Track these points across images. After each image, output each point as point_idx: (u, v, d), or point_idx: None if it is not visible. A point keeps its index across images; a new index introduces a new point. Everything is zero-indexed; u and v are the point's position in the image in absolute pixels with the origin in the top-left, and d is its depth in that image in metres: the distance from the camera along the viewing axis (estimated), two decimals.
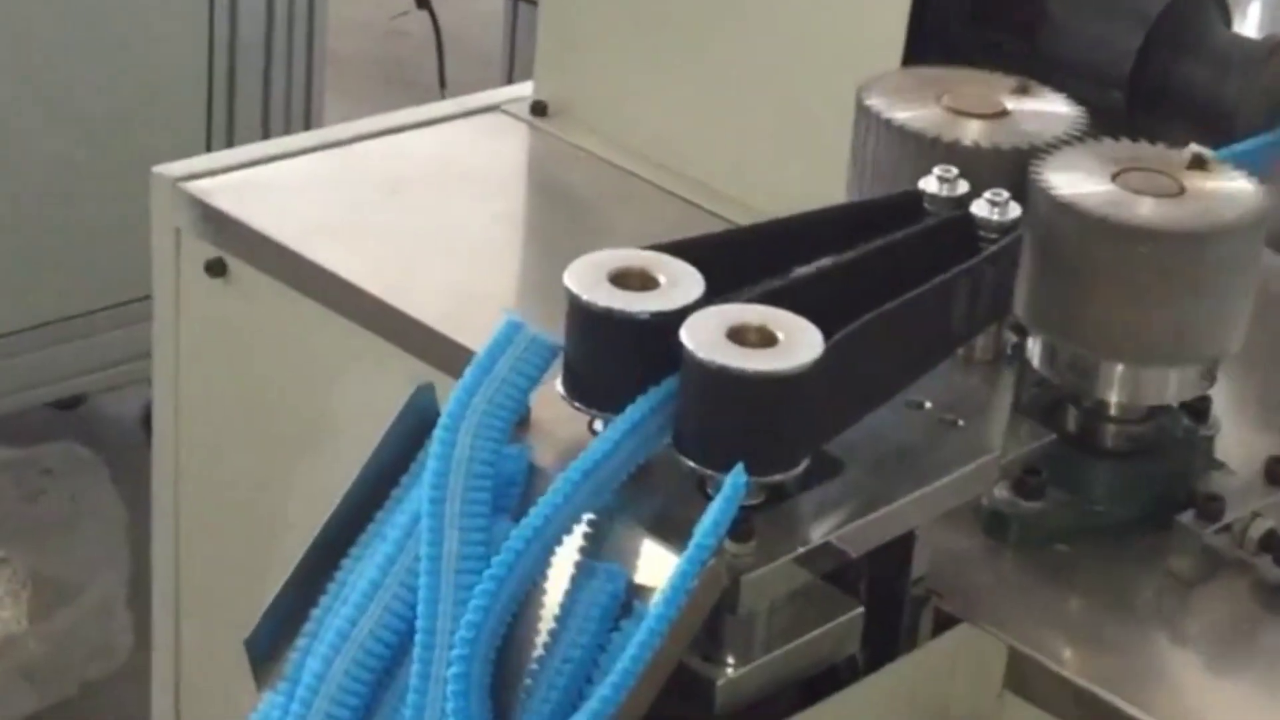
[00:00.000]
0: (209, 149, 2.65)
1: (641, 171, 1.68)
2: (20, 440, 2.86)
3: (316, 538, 1.13)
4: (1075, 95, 1.39)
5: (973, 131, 1.33)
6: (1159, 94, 1.54)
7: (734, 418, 1.10)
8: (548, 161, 1.72)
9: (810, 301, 1.16)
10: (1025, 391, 1.32)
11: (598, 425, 1.17)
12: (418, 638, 1.06)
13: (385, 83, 4.25)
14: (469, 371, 1.12)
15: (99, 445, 2.89)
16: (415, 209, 1.62)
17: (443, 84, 3.65)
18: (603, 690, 1.02)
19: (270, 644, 1.13)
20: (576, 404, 1.15)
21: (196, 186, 1.59)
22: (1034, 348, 1.33)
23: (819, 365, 1.11)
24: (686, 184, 1.66)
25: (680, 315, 1.13)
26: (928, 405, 1.25)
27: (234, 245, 1.57)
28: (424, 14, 3.68)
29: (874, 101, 1.35)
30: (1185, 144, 1.37)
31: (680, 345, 1.11)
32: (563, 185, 1.69)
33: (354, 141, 1.68)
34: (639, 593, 1.08)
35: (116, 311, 2.77)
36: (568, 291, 1.14)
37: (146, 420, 2.29)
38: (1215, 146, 1.42)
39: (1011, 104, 1.36)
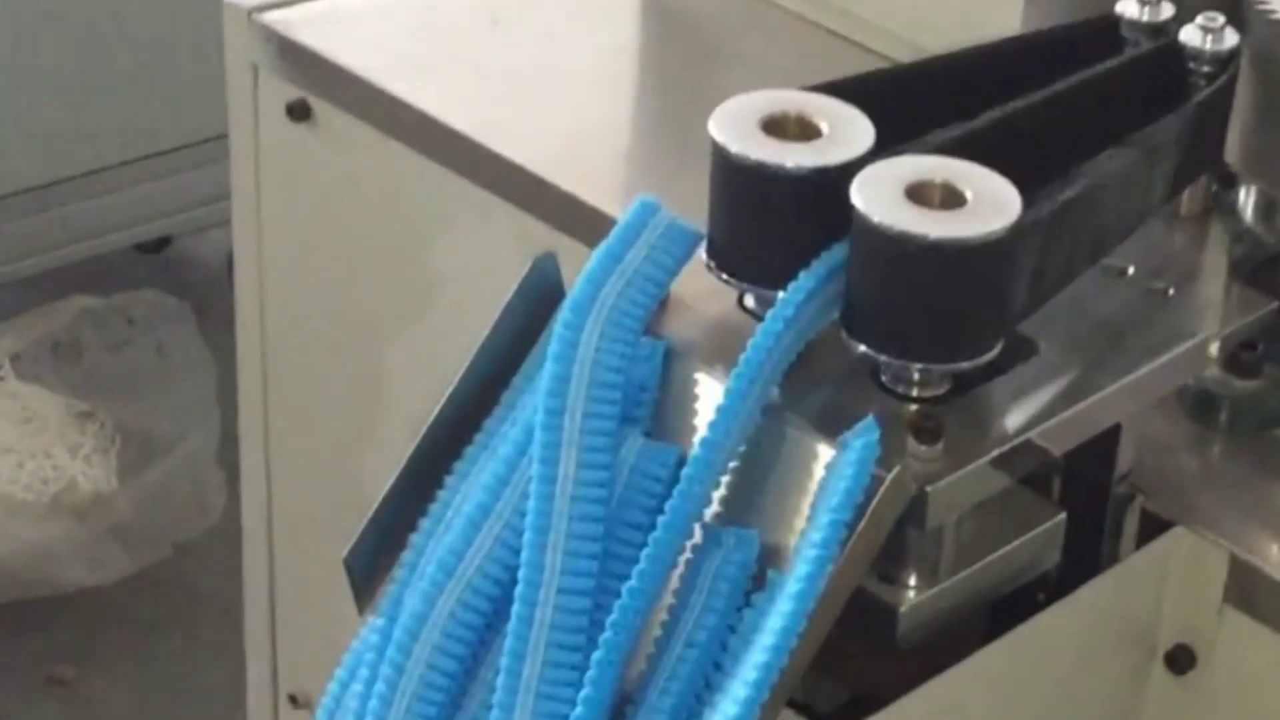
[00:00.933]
0: None
1: None
2: (103, 288, 2.71)
3: (420, 442, 0.96)
4: None
5: None
6: None
7: (917, 294, 0.92)
8: None
9: (995, 152, 0.98)
10: (1235, 251, 1.13)
11: (748, 300, 0.99)
12: (520, 574, 0.88)
13: None
14: (595, 258, 0.95)
15: (185, 292, 2.75)
16: (519, 41, 1.43)
17: None
18: (738, 690, 0.83)
19: (372, 561, 0.96)
20: (724, 276, 0.98)
21: (274, 18, 1.40)
22: (1246, 199, 1.14)
23: (1016, 230, 0.92)
24: (829, 11, 1.46)
25: (848, 170, 0.94)
26: (1130, 271, 1.06)
27: (318, 85, 1.38)
28: None
29: None
30: None
31: (850, 206, 0.93)
32: (685, 12, 1.50)
33: None
34: (774, 558, 0.91)
35: (202, 148, 2.61)
36: (713, 142, 0.96)
37: (232, 264, 2.14)
38: None
39: None
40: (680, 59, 1.47)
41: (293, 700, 1.56)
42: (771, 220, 0.96)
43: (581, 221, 1.24)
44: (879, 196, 0.93)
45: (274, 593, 1.60)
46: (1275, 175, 1.11)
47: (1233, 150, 1.10)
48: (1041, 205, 0.95)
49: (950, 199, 0.93)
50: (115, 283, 2.74)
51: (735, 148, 0.95)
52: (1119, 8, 1.09)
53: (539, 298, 0.99)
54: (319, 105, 1.38)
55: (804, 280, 0.94)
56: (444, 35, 1.42)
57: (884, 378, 0.95)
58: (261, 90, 1.41)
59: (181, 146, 2.63)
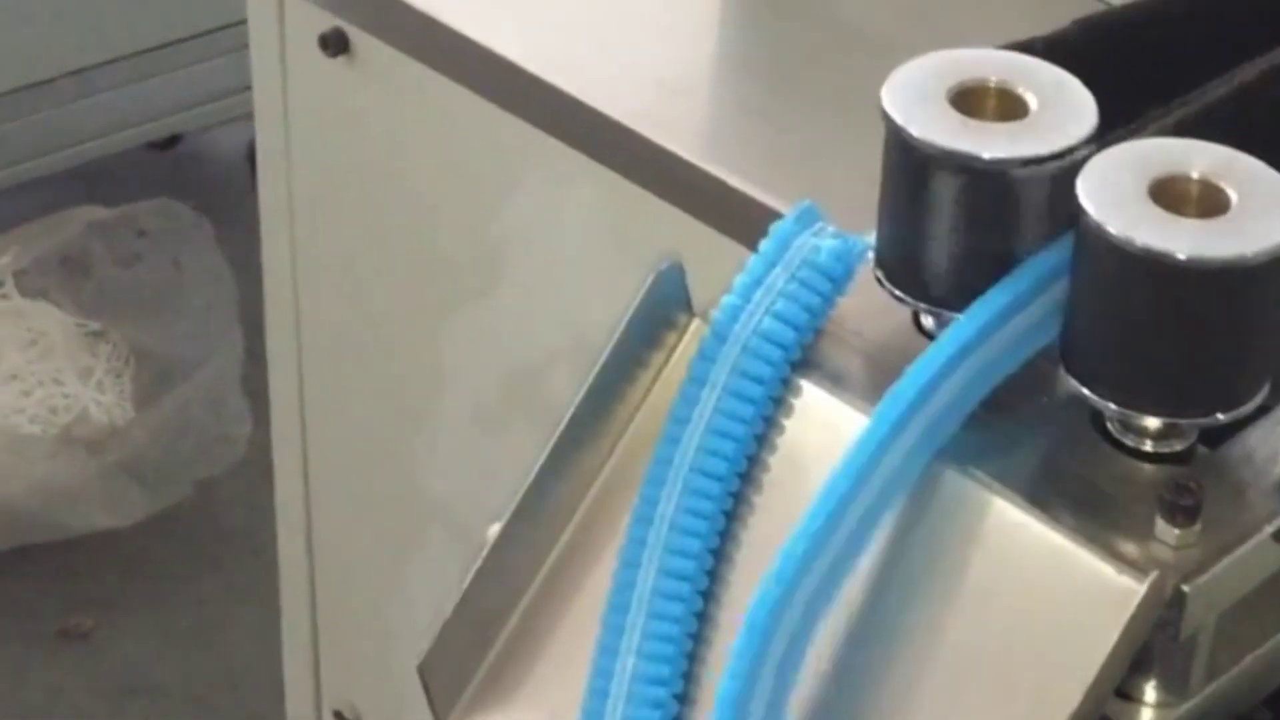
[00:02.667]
0: None
1: None
2: (110, 194, 2.50)
3: (514, 513, 0.75)
4: None
5: None
6: None
7: (1166, 328, 0.70)
8: None
9: (1257, 125, 0.75)
10: None
11: (928, 321, 0.77)
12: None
13: None
14: (737, 281, 0.73)
15: (199, 194, 2.53)
16: None
17: None
18: None
19: (454, 666, 0.75)
20: (898, 293, 0.76)
21: None
22: None
23: None
24: None
25: (1068, 159, 0.72)
26: None
27: (357, 11, 1.15)
28: None
29: None
30: None
31: (1072, 206, 0.71)
32: None
33: None
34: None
35: (213, 38, 2.43)
36: (888, 121, 0.74)
37: (252, 159, 1.90)
38: None
39: None
40: None
41: (338, 718, 1.36)
42: (964, 224, 0.74)
43: (675, 181, 1.02)
44: (1115, 197, 0.70)
45: (312, 551, 1.39)
46: None
47: None
48: None
49: (1210, 200, 0.71)
50: (123, 187, 2.54)
51: (918, 130, 0.73)
52: None
53: (663, 317, 0.77)
54: (358, 37, 1.15)
55: (997, 295, 0.73)
56: None
57: (1110, 426, 0.73)
58: (288, 15, 1.18)
59: (191, 36, 2.44)
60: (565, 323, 1.12)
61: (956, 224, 0.73)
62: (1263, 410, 0.74)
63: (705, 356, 0.73)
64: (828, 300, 0.73)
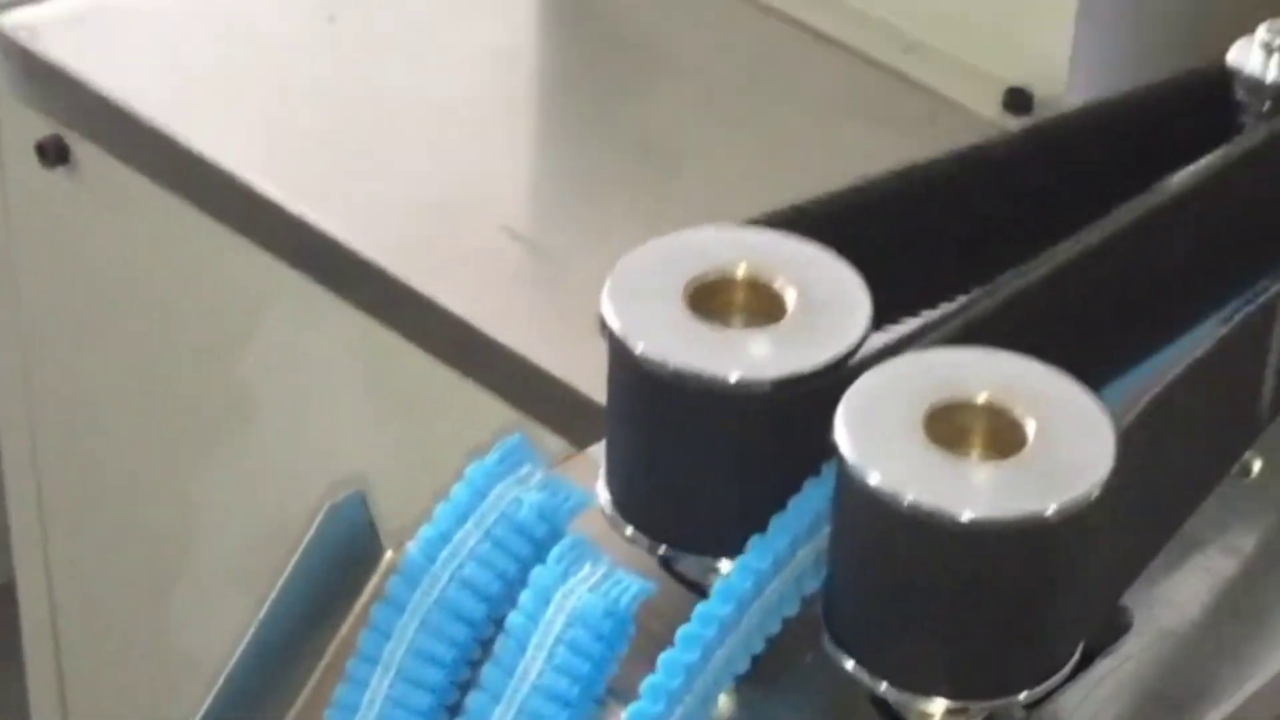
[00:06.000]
0: None
1: None
2: None
3: None
4: None
5: None
6: None
7: (949, 596, 0.56)
8: None
9: (1055, 323, 0.61)
10: None
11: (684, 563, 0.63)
12: None
13: None
14: (422, 533, 0.58)
15: None
16: (365, 46, 1.05)
17: None
18: None
19: None
20: (632, 531, 0.62)
21: (16, 22, 1.01)
22: None
23: (1112, 483, 0.56)
24: None
25: (831, 379, 0.58)
26: (1258, 468, 0.70)
27: (77, 118, 1.00)
28: None
29: None
30: None
31: (832, 444, 0.57)
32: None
33: None
34: None
35: None
36: (608, 332, 0.59)
37: None
38: None
39: None
40: (591, 81, 1.08)
41: None
42: (705, 456, 0.59)
43: (445, 330, 0.88)
44: (883, 432, 0.56)
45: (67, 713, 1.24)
46: None
47: None
48: (1146, 423, 0.59)
49: (1001, 433, 0.57)
50: None
51: (645, 346, 0.58)
52: (1231, 58, 0.72)
53: (341, 549, 0.63)
54: (79, 146, 1.00)
55: (769, 542, 0.58)
56: (259, 42, 1.03)
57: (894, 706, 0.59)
58: (3, 119, 1.03)
59: None
60: (318, 470, 0.97)
61: (705, 458, 0.59)
62: (1086, 660, 0.61)
63: (378, 629, 0.59)
64: (526, 566, 0.59)
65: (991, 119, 1.06)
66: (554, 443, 0.85)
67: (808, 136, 1.02)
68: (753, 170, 0.98)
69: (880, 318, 0.61)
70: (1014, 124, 1.07)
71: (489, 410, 0.83)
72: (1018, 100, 1.14)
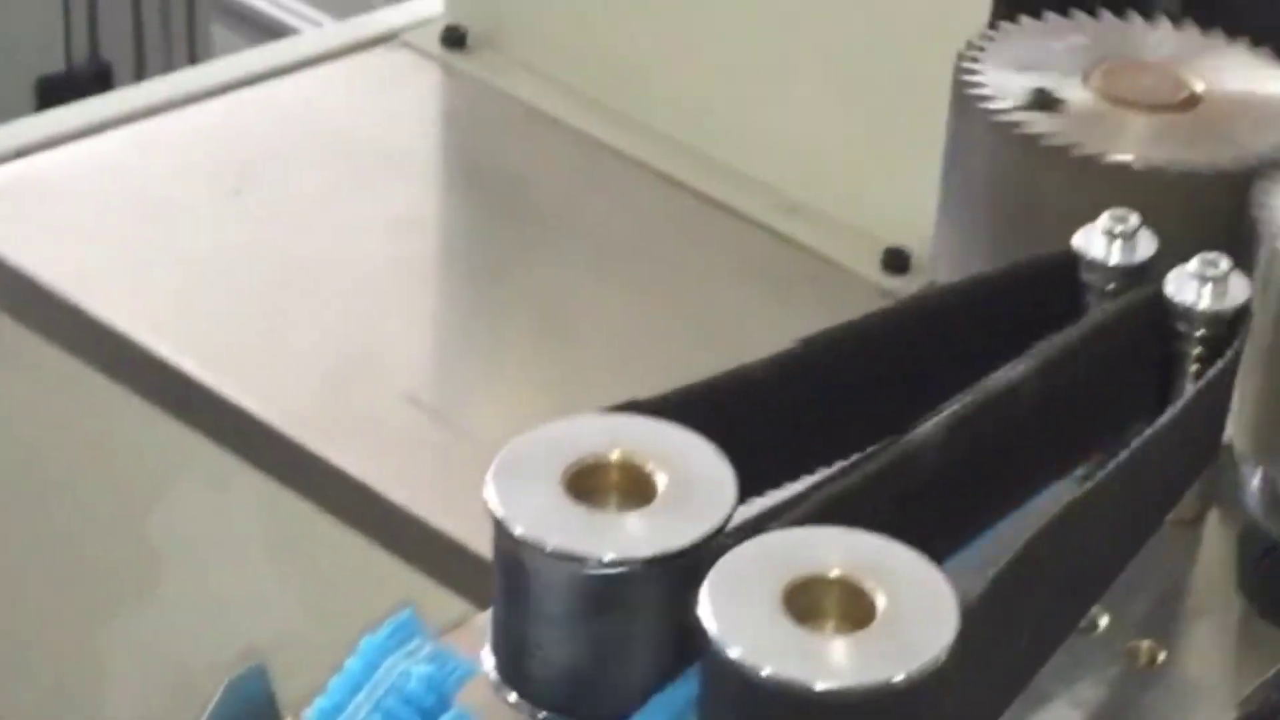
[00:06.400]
0: None
1: (606, 135, 1.16)
2: None
3: None
4: None
5: (1146, 134, 0.82)
6: None
7: None
8: (467, 119, 1.19)
9: (905, 501, 0.66)
10: (1246, 566, 0.82)
11: None
12: None
13: None
14: (316, 706, 0.62)
15: None
16: (270, 218, 1.09)
17: None
18: None
19: None
20: (515, 698, 0.66)
21: None
22: (1254, 490, 0.83)
23: (957, 650, 0.61)
24: (686, 161, 1.14)
25: (695, 557, 0.63)
26: (1104, 624, 0.75)
27: None
28: None
29: (982, 78, 0.84)
30: None
31: (699, 622, 0.61)
32: (492, 159, 1.17)
33: (183, 105, 1.15)
34: None
35: None
36: (492, 516, 0.64)
37: None
38: None
39: (1206, 83, 0.85)
40: (492, 235, 1.13)
41: None
42: (581, 632, 0.63)
43: (348, 495, 0.92)
44: (746, 608, 0.61)
45: None
46: None
47: (1235, 428, 0.79)
48: (992, 597, 0.63)
49: (853, 607, 0.61)
50: None
51: (524, 529, 0.63)
52: (1077, 241, 0.77)
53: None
54: None
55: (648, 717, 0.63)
56: (167, 214, 1.08)
57: None
58: None
59: None
60: (225, 632, 1.01)
61: (575, 632, 0.63)
62: None
63: None
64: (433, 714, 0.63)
65: (871, 278, 1.12)
66: (456, 604, 0.89)
67: (698, 299, 1.07)
68: (645, 333, 1.03)
69: (748, 491, 0.65)
70: (892, 283, 1.13)
71: (392, 572, 0.87)
72: (896, 260, 1.19)
